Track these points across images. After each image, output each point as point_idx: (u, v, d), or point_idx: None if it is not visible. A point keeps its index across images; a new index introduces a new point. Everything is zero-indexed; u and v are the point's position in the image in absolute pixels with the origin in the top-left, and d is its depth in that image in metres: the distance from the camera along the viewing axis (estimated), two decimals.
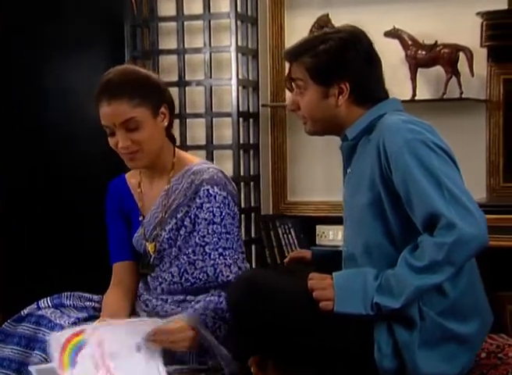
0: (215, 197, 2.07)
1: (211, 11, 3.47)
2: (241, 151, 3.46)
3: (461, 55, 3.17)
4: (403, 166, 1.76)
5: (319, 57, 1.91)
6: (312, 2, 3.59)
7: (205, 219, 2.05)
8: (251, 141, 3.57)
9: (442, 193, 1.72)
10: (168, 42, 3.61)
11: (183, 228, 2.08)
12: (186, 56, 3.52)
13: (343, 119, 1.94)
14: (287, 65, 3.61)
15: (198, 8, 3.55)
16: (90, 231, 3.66)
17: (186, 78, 3.51)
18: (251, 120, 3.58)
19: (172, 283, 2.09)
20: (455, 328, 1.80)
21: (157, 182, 2.16)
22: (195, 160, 2.19)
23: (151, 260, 2.16)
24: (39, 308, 2.07)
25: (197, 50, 3.50)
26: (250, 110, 3.55)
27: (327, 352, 1.80)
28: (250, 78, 3.54)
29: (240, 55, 3.43)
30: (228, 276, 2.04)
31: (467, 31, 3.18)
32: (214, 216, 2.06)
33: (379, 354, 1.78)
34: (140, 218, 2.16)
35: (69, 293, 2.14)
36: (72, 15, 3.79)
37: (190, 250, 2.06)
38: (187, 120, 3.52)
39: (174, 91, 3.54)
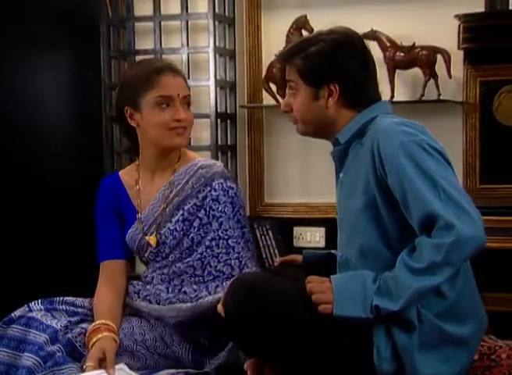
0: (228, 191, 2.12)
1: (188, 11, 3.45)
2: (219, 153, 3.44)
3: (439, 57, 3.19)
4: (399, 168, 1.76)
5: (309, 58, 1.91)
6: (289, 3, 3.58)
7: (225, 213, 2.10)
8: (229, 142, 3.56)
9: (438, 194, 1.72)
10: (144, 42, 3.59)
11: (197, 220, 2.11)
12: (163, 57, 3.48)
13: (334, 122, 1.94)
14: (264, 66, 3.66)
15: (175, 9, 3.53)
16: (56, 231, 3.67)
17: None
18: (229, 121, 3.56)
19: (194, 275, 2.09)
20: (452, 330, 1.80)
21: (158, 177, 2.18)
22: (197, 157, 2.24)
23: (146, 255, 2.15)
24: (30, 310, 2.05)
25: (174, 50, 3.47)
26: (228, 111, 3.54)
27: (325, 356, 1.78)
28: (228, 79, 3.53)
29: (217, 55, 3.41)
30: (252, 268, 2.10)
31: (444, 33, 3.18)
32: (233, 209, 2.11)
33: (378, 357, 1.77)
34: (138, 215, 2.15)
35: (61, 298, 2.11)
36: (43, 14, 3.74)
37: (213, 243, 2.09)
38: None
39: None
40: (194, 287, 2.08)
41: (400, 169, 1.75)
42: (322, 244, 3.52)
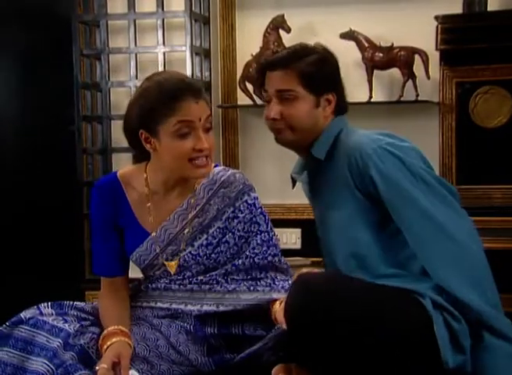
0: (253, 205, 2.03)
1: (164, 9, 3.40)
2: None
3: (417, 57, 3.19)
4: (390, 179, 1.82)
5: (315, 65, 1.94)
6: (264, 3, 3.56)
7: (252, 232, 2.02)
8: None
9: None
10: (116, 41, 3.52)
11: (226, 244, 2.02)
12: (138, 56, 3.42)
13: (319, 129, 1.98)
14: (239, 65, 3.62)
15: (148, 6, 3.47)
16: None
17: (138, 78, 3.42)
18: None
19: (216, 283, 2.03)
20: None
21: (175, 196, 2.04)
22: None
23: (158, 273, 2.06)
24: (41, 313, 1.94)
25: (149, 49, 3.42)
26: None
27: (390, 355, 1.74)
28: (203, 79, 3.49)
29: (193, 54, 3.37)
30: (276, 277, 2.03)
31: (422, 34, 3.19)
32: (259, 225, 2.02)
33: (444, 349, 1.74)
34: (152, 234, 2.03)
35: (70, 302, 2.01)
36: (12, 11, 3.64)
37: (239, 261, 2.02)
38: None
39: (126, 92, 3.47)
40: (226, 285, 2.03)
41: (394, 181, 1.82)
42: (298, 245, 3.49)
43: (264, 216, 2.04)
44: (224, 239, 2.01)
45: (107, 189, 2.07)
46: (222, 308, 1.98)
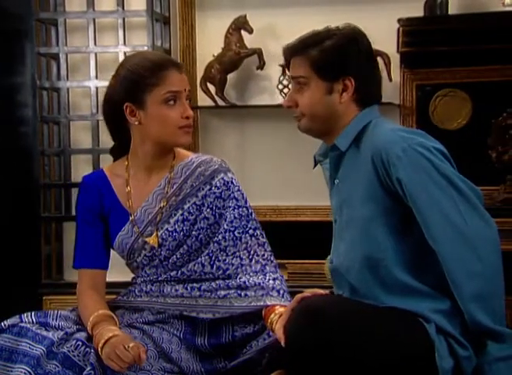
0: (231, 182, 2.07)
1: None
2: None
3: (379, 60, 3.19)
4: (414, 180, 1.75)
5: (326, 51, 1.88)
6: (224, 4, 3.53)
7: (229, 207, 2.04)
8: None
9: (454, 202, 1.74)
10: (74, 40, 3.44)
11: (204, 220, 2.04)
12: (98, 55, 3.36)
13: (340, 118, 1.91)
14: (199, 66, 3.58)
15: (107, 5, 3.41)
16: None
17: (98, 78, 3.36)
18: None
19: (204, 273, 2.02)
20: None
21: (155, 176, 2.08)
22: (190, 154, 2.16)
23: (139, 260, 2.06)
24: (22, 321, 1.91)
25: (110, 49, 3.36)
26: None
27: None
28: None
29: None
30: (263, 255, 2.05)
31: (385, 37, 3.19)
32: (237, 200, 2.05)
33: (438, 356, 1.73)
34: (130, 217, 2.05)
35: (55, 311, 1.97)
36: None
37: (219, 237, 2.03)
38: (99, 122, 3.36)
39: (85, 92, 3.42)
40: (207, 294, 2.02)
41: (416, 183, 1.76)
42: None
43: (243, 194, 2.08)
44: (202, 215, 2.04)
45: (92, 182, 2.11)
46: (218, 315, 1.98)
